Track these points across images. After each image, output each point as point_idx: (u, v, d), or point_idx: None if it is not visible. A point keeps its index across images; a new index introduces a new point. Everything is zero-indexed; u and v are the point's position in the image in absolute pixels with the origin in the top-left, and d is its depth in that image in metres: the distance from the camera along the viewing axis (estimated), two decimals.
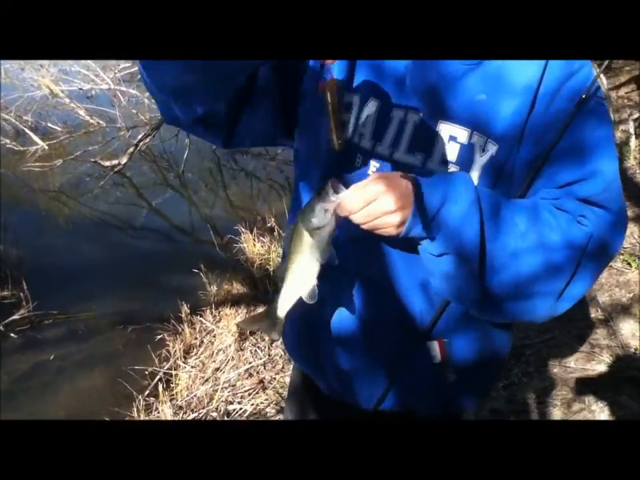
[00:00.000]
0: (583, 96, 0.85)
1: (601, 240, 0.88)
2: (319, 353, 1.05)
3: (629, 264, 2.75)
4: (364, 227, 0.79)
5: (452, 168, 0.89)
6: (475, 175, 0.89)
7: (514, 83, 0.85)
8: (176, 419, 2.39)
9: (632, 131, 3.86)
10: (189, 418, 2.39)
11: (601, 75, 3.04)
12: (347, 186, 0.79)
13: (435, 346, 0.98)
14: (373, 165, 0.92)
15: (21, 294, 3.33)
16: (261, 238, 3.61)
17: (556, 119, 0.86)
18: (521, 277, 0.86)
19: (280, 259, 3.35)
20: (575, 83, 0.86)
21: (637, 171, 3.63)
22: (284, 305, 0.90)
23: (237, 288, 3.43)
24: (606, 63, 1.14)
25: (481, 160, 0.88)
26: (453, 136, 0.88)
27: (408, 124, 0.90)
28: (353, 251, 0.95)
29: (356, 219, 0.79)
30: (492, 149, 0.87)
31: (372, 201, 0.77)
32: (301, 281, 0.87)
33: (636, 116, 4.18)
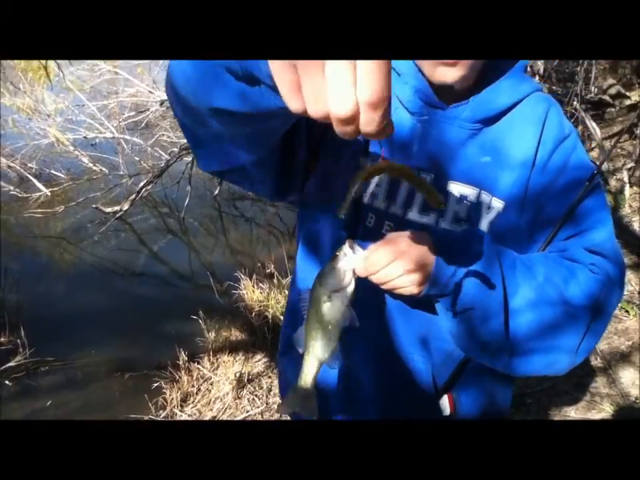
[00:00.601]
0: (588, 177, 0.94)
1: (610, 289, 0.93)
2: (329, 413, 1.06)
3: (626, 311, 2.76)
4: (383, 287, 0.81)
5: (463, 225, 0.93)
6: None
7: (513, 153, 0.93)
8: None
9: (626, 179, 3.92)
10: None
11: (595, 126, 3.09)
12: (362, 246, 0.79)
13: (445, 400, 1.00)
14: (387, 224, 0.94)
15: (18, 340, 3.31)
16: (260, 284, 3.62)
17: (551, 184, 0.94)
18: (543, 329, 0.89)
19: (272, 303, 3.35)
20: (566, 147, 0.96)
21: (633, 219, 3.67)
22: (309, 374, 0.85)
23: (236, 335, 3.42)
24: (606, 159, 1.20)
25: (488, 217, 0.93)
26: (463, 195, 0.93)
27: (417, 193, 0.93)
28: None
29: (377, 279, 0.79)
30: (498, 206, 0.93)
31: (393, 260, 0.78)
32: (322, 346, 0.82)
33: (629, 165, 4.26)
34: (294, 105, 0.46)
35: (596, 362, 2.47)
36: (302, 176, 0.96)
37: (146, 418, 2.72)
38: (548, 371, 0.94)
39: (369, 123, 0.44)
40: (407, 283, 0.80)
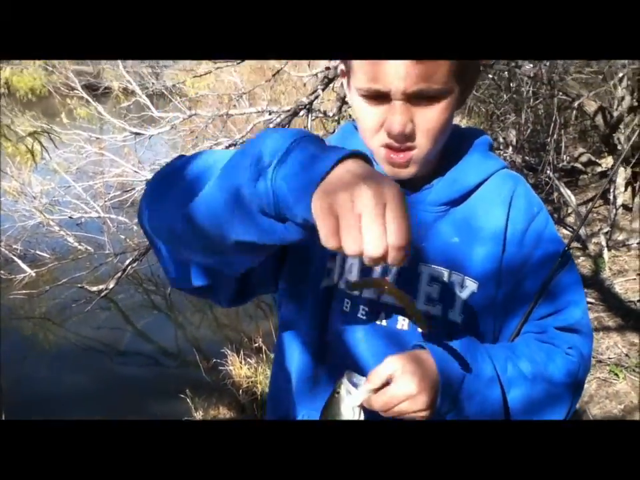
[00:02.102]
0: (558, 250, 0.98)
1: (585, 367, 0.98)
2: None
3: (616, 374, 2.76)
4: (386, 415, 0.80)
5: (436, 306, 0.94)
6: (456, 311, 0.94)
7: (482, 230, 0.95)
8: None
9: (604, 243, 4.02)
10: None
11: (569, 193, 3.20)
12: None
13: None
14: (362, 308, 0.95)
15: None
16: (248, 359, 3.58)
17: (526, 260, 0.97)
18: (535, 416, 0.93)
19: (261, 378, 3.29)
20: (537, 225, 0.98)
21: (614, 282, 3.74)
22: None
23: (224, 413, 3.35)
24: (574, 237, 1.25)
25: (461, 295, 0.94)
26: (433, 276, 0.94)
27: (391, 269, 0.94)
28: None
29: (386, 414, 0.79)
30: (471, 286, 0.94)
31: (408, 399, 0.78)
32: None
33: (606, 230, 4.38)
34: (332, 245, 0.55)
35: None
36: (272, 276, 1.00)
37: None
38: None
39: (395, 259, 0.55)
40: (415, 411, 0.80)
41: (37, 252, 6.00)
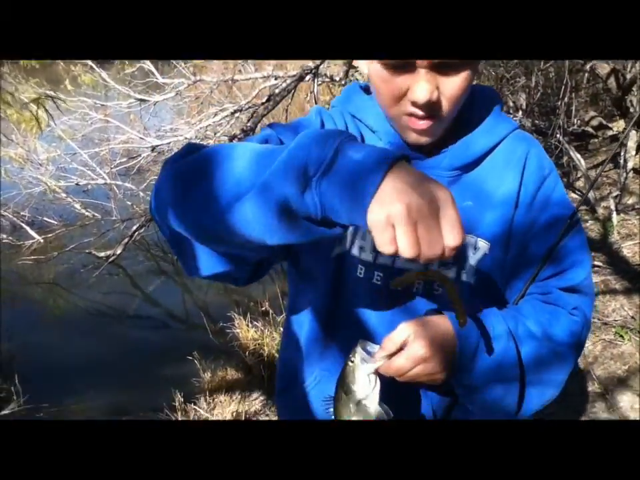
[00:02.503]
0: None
1: (588, 325, 1.00)
2: None
3: (621, 336, 2.77)
4: (401, 379, 0.81)
5: (451, 268, 0.95)
6: (470, 273, 0.95)
7: (495, 193, 0.95)
8: None
9: (613, 207, 3.98)
10: None
11: (579, 157, 3.17)
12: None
13: None
14: (377, 274, 0.96)
15: (12, 388, 3.27)
16: (255, 322, 3.61)
17: (534, 222, 0.97)
18: (545, 374, 0.94)
19: (267, 341, 3.33)
20: (547, 187, 0.98)
21: (622, 245, 3.72)
22: None
23: (232, 374, 3.39)
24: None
25: (474, 257, 0.95)
26: None
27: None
28: None
29: (401, 379, 0.80)
30: (483, 247, 0.95)
31: (421, 362, 0.79)
32: None
33: (615, 194, 4.34)
34: (388, 250, 0.59)
35: (593, 387, 2.47)
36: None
37: None
38: (541, 404, 0.97)
39: (450, 256, 0.60)
40: (429, 375, 0.82)
41: (45, 219, 6.04)
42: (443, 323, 0.84)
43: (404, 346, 0.79)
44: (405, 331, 0.80)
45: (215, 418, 2.87)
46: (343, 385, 0.79)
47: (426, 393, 0.98)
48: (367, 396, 0.78)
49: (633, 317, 2.89)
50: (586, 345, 2.75)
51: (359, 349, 0.77)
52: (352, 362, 0.78)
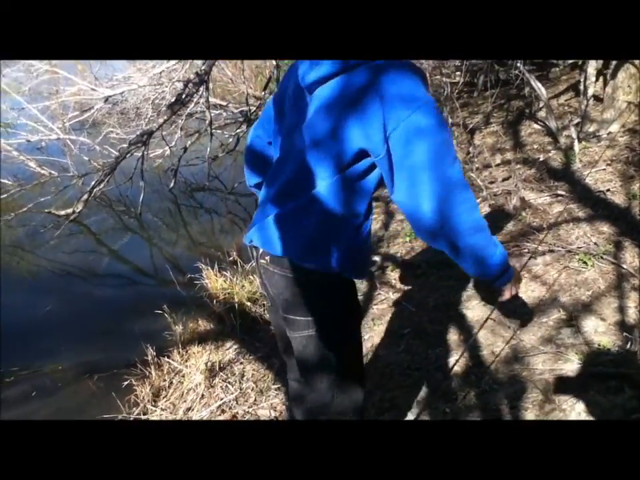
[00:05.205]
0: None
1: None
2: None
3: (584, 263, 2.82)
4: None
5: None
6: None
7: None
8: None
9: (574, 135, 3.99)
10: None
11: (540, 86, 3.13)
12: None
13: None
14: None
15: None
16: (223, 272, 3.58)
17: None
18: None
19: (237, 290, 3.31)
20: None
21: (584, 173, 3.74)
22: None
23: (203, 325, 3.38)
24: None
25: None
26: None
27: None
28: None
29: None
30: None
31: None
32: None
33: (576, 121, 4.34)
34: (507, 296, 1.48)
35: (559, 314, 2.52)
36: None
37: (119, 417, 2.67)
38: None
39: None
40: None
41: None
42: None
43: None
44: None
45: (189, 370, 2.87)
46: None
47: None
48: None
49: (595, 244, 2.94)
50: (551, 274, 2.81)
51: None
52: None
